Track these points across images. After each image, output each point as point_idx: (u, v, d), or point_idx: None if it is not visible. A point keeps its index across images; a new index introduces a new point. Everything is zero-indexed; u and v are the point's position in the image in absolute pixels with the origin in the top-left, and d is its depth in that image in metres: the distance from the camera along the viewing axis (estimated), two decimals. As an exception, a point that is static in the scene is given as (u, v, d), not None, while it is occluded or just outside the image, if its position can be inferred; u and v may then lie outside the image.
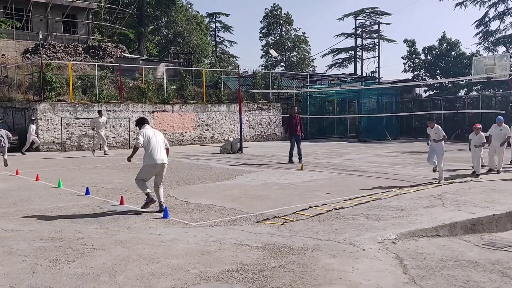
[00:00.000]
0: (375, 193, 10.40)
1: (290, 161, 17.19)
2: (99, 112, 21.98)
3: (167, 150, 9.06)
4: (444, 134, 12.38)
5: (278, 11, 65.96)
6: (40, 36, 30.47)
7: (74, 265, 5.68)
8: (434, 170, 12.50)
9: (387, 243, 6.67)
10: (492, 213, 8.41)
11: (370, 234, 7.01)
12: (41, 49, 32.44)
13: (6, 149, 16.58)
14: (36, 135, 23.00)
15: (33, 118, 23.55)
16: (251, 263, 5.70)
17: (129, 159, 9.18)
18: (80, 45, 37.11)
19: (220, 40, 70.02)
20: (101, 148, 22.16)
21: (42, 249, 6.35)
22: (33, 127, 22.75)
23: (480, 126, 13.93)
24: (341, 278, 5.27)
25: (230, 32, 71.32)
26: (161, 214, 8.31)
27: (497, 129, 14.35)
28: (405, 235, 7.09)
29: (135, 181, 9.09)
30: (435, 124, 12.48)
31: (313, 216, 8.23)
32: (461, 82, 39.04)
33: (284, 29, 66.32)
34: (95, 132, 22.54)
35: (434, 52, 42.31)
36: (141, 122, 9.14)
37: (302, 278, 5.24)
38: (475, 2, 42.19)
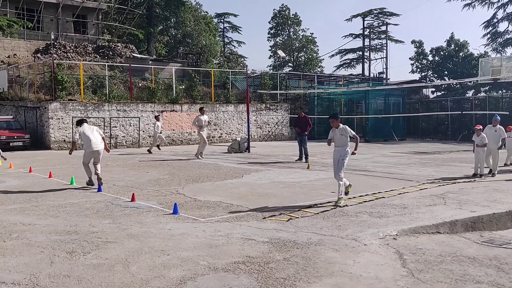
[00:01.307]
0: (378, 192, 10.65)
1: (299, 159, 17.75)
2: (201, 109, 19.98)
3: (103, 138, 11.99)
4: (355, 133, 9.62)
5: (286, 12, 66.19)
6: (52, 36, 30.93)
7: (90, 256, 6.00)
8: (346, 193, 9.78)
9: (388, 239, 6.94)
10: (493, 212, 8.64)
11: (372, 230, 7.28)
12: (52, 49, 32.96)
13: None
14: (160, 132, 22.87)
15: (157, 114, 23.60)
16: (257, 256, 5.99)
17: (70, 152, 12.49)
18: (90, 45, 37.60)
19: (228, 41, 70.46)
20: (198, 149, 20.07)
21: (58, 241, 6.69)
22: (158, 124, 22.60)
23: (481, 127, 13.62)
24: (342, 270, 5.55)
25: (239, 33, 71.90)
26: (171, 210, 8.62)
27: (491, 130, 13.76)
28: (406, 232, 7.34)
29: (83, 165, 11.99)
30: (340, 124, 9.61)
31: (317, 213, 8.51)
32: (469, 83, 39.09)
33: (292, 29, 66.55)
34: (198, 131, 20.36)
35: (442, 53, 42.40)
36: (79, 123, 12.10)
37: (305, 270, 5.52)
38: (484, 3, 42.23)
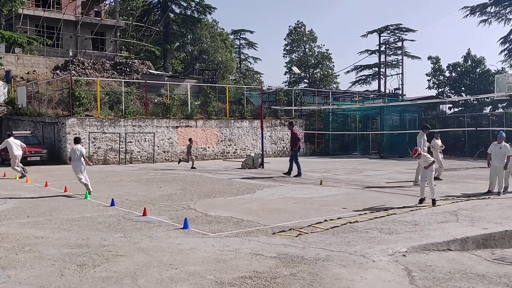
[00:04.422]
0: (391, 208, 10.60)
1: (298, 174, 18.07)
2: (427, 128, 16.91)
3: (23, 148, 17.89)
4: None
5: (302, 28, 66.58)
6: (70, 53, 31.56)
7: (99, 269, 6.09)
8: None
9: (398, 256, 6.90)
10: (505, 229, 8.53)
11: (381, 246, 7.25)
12: (70, 65, 33.61)
13: None
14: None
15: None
16: (264, 271, 6.01)
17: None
18: (107, 61, 38.27)
19: (244, 57, 71.06)
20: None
21: (70, 254, 6.80)
22: (438, 142, 17.56)
23: (419, 151, 11.77)
24: (349, 286, 5.54)
25: (255, 49, 72.27)
26: (181, 225, 8.69)
27: (496, 147, 13.14)
28: (416, 249, 7.30)
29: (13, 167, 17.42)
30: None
31: (327, 229, 8.49)
32: (486, 100, 38.76)
33: (307, 46, 66.83)
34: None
35: (458, 69, 42.16)
36: (8, 136, 18.65)
37: (311, 285, 5.53)
38: (500, 19, 42.04)
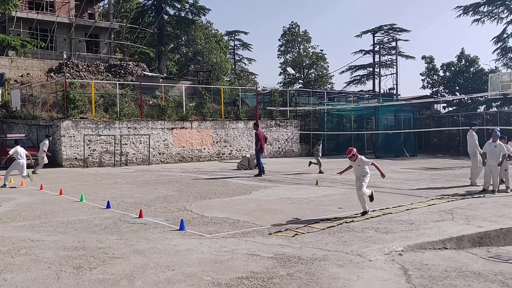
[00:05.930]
0: (386, 208, 10.62)
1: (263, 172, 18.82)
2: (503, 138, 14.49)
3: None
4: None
5: (296, 29, 66.63)
6: (64, 56, 31.48)
7: (96, 271, 6.08)
8: None
9: (394, 255, 6.92)
10: (500, 227, 8.58)
11: (377, 246, 7.27)
12: (64, 68, 33.52)
13: None
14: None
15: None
16: (261, 271, 6.02)
17: None
18: (102, 63, 38.17)
19: (239, 58, 71.07)
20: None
21: (66, 257, 6.78)
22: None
23: (354, 151, 9.79)
24: (345, 286, 5.56)
25: (249, 50, 72.28)
26: (177, 227, 8.68)
27: (491, 145, 13.14)
28: (412, 247, 7.32)
29: None
30: None
31: (323, 229, 8.51)
32: (480, 99, 38.92)
33: (302, 46, 66.90)
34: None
35: (452, 68, 42.35)
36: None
37: (308, 285, 5.54)
38: (493, 18, 42.25)
